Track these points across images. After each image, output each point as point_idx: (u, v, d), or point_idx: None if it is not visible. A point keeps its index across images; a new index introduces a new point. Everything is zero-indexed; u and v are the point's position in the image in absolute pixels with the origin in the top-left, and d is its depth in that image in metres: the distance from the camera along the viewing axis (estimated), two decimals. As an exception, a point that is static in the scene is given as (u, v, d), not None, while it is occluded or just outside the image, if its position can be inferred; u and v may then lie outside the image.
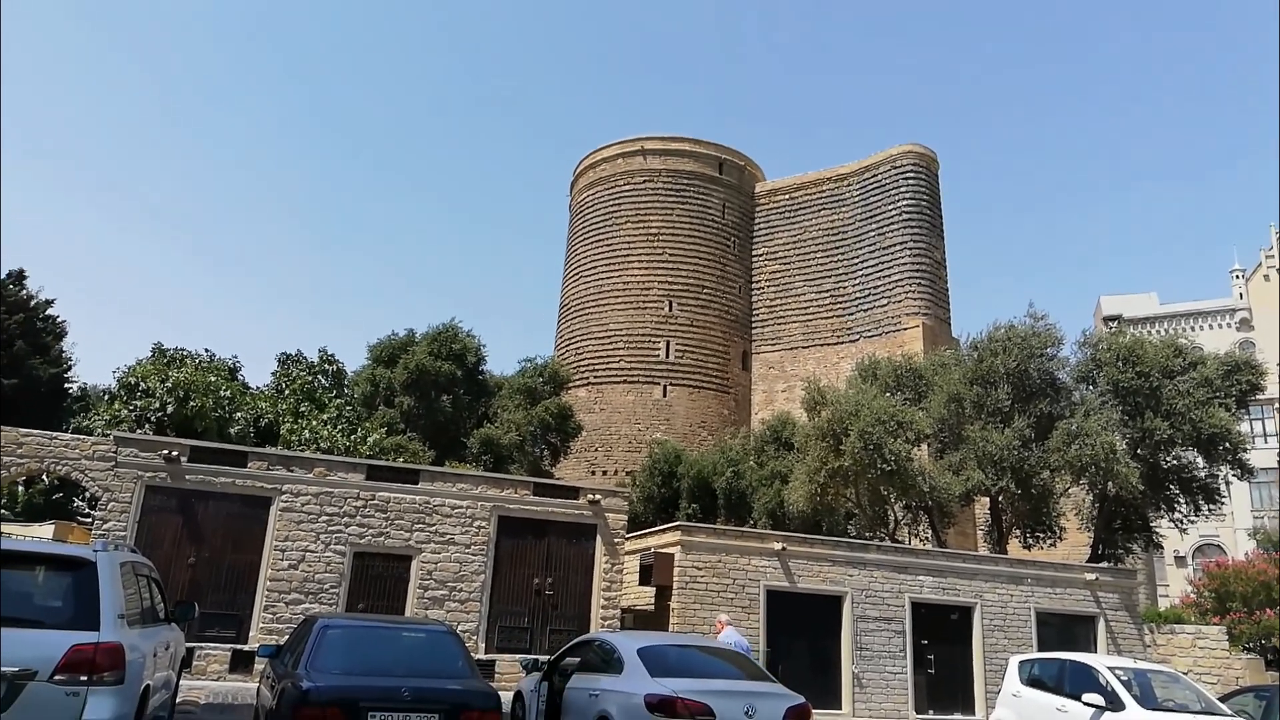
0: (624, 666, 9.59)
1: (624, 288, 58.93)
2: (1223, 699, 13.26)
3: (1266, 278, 56.51)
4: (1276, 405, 51.71)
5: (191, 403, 26.45)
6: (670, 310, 58.02)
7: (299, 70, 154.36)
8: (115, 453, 17.30)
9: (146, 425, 25.57)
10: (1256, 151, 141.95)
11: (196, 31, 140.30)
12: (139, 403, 26.14)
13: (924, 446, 29.14)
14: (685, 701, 8.60)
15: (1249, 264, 57.57)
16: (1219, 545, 48.67)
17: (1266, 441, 49.99)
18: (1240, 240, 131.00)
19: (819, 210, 60.67)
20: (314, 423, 29.85)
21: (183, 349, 33.73)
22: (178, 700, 10.70)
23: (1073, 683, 12.60)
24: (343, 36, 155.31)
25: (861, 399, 26.45)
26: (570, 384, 48.18)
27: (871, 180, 58.81)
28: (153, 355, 32.21)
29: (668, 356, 57.04)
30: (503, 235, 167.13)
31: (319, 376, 38.49)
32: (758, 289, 61.61)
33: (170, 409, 26.07)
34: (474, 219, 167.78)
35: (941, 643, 21.87)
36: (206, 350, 34.72)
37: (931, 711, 21.18)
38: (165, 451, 17.54)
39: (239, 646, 17.08)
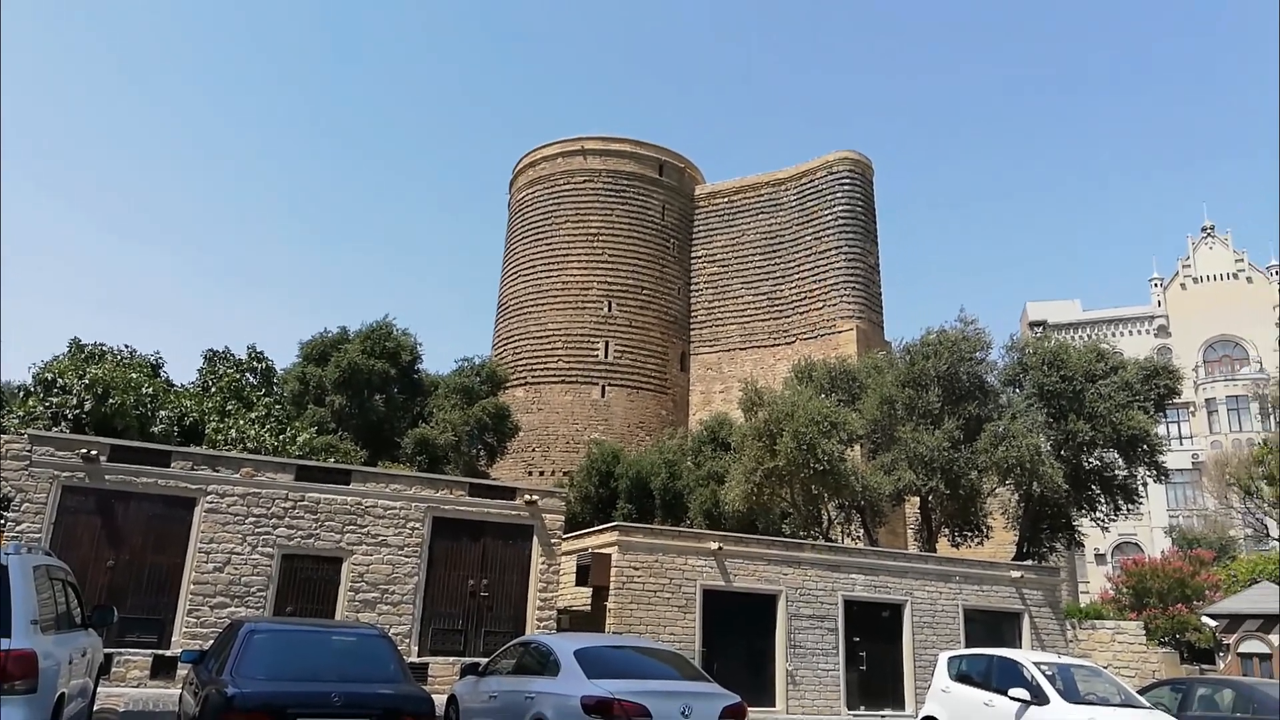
0: (560, 668, 9.53)
1: (563, 287, 58.75)
2: (1141, 691, 13.72)
3: (1183, 286, 58.93)
4: (1191, 409, 53.89)
5: (111, 400, 25.49)
6: (609, 310, 58.00)
7: (222, 60, 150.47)
8: (29, 451, 16.58)
9: (63, 423, 24.59)
10: (1175, 164, 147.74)
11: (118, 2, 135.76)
12: (55, 399, 25.11)
13: (857, 447, 29.61)
14: (622, 703, 8.56)
15: (1167, 273, 59.97)
16: (1136, 544, 50.56)
17: (1181, 444, 52.11)
18: (1159, 250, 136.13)
19: (757, 214, 61.33)
20: (241, 422, 29.02)
21: (102, 344, 32.50)
22: (95, 708, 10.30)
23: (999, 678, 12.92)
24: (273, 23, 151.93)
25: (797, 400, 26.75)
26: (508, 384, 47.78)
27: (808, 185, 59.66)
28: (70, 351, 30.98)
29: (606, 357, 57.01)
30: (440, 233, 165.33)
31: (247, 374, 37.47)
32: (696, 291, 61.99)
33: (88, 406, 25.08)
34: (411, 216, 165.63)
35: (873, 640, 22.23)
36: (127, 346, 33.51)
37: (863, 707, 21.52)
38: (83, 450, 16.86)
39: (161, 652, 16.51)
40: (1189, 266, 59.34)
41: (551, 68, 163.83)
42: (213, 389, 32.93)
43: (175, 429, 27.50)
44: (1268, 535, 29.04)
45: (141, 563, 16.91)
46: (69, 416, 24.75)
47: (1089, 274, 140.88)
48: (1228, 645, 22.93)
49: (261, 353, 37.94)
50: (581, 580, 20.92)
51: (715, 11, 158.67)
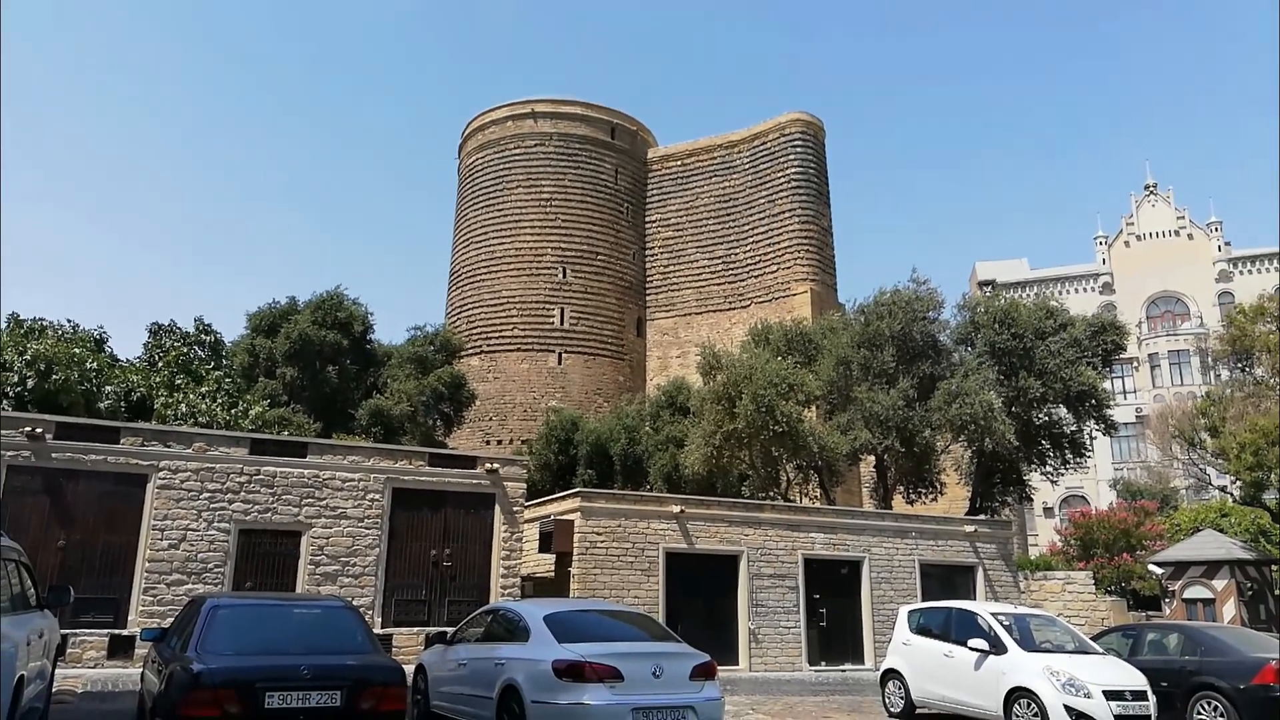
0: (530, 634, 9.51)
1: (516, 254, 58.20)
2: (1094, 638, 14.14)
3: (1127, 244, 60.18)
4: (1135, 364, 55.31)
5: (55, 376, 24.81)
6: (564, 277, 57.65)
7: (157, 22, 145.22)
8: (-30, 431, 16.07)
9: (4, 401, 23.90)
10: (1119, 123, 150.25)
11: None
12: (-5, 377, 24.39)
13: (814, 408, 29.93)
14: (593, 665, 8.58)
15: (1111, 231, 61.14)
16: (1083, 496, 51.97)
17: (1125, 398, 53.49)
18: (1103, 208, 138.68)
19: (710, 177, 61.18)
20: (191, 396, 28.46)
21: (42, 319, 31.63)
22: (54, 690, 10.08)
23: (958, 629, 13.19)
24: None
25: (755, 363, 26.91)
26: (463, 353, 47.39)
27: (761, 148, 59.62)
28: (9, 326, 30.05)
29: (562, 323, 56.76)
30: (389, 200, 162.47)
31: (195, 347, 36.74)
32: (651, 255, 61.82)
33: (31, 383, 24.39)
34: (358, 182, 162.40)
35: (832, 596, 22.66)
36: (69, 320, 32.67)
37: (824, 663, 21.96)
38: (28, 429, 16.38)
39: (117, 631, 16.25)
40: (1132, 224, 60.56)
41: (500, 29, 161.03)
42: (160, 363, 32.25)
43: (122, 405, 26.90)
44: (1209, 485, 30.01)
45: (94, 542, 16.58)
46: (10, 394, 24.06)
47: (1036, 233, 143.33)
48: (1173, 591, 23.74)
49: (209, 325, 37.26)
50: (544, 547, 20.97)
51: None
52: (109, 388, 26.75)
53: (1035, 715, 11.27)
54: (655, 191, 62.98)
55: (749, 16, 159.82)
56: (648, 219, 62.49)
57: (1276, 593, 23.46)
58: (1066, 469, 29.79)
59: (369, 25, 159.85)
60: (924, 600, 21.82)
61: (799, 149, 58.45)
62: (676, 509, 21.21)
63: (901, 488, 29.70)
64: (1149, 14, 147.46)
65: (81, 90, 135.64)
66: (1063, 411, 28.36)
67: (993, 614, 12.99)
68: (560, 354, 56.24)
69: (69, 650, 15.55)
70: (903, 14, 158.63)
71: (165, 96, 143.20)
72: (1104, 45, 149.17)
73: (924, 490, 29.51)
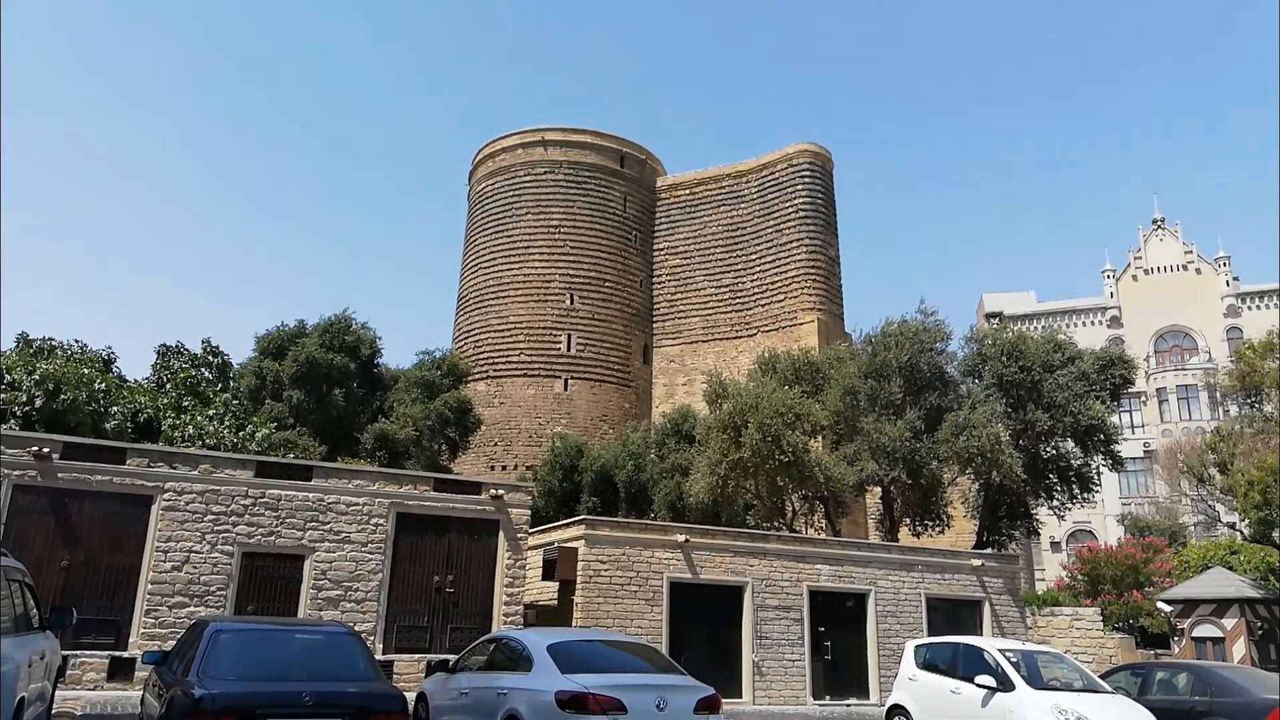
0: (533, 664, 9.46)
1: (524, 280, 58.49)
2: (1102, 676, 13.99)
3: (1135, 278, 60.17)
4: (1143, 398, 55.10)
5: (62, 396, 24.88)
6: (571, 303, 57.86)
7: (172, 45, 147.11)
8: (-22, 450, 16.09)
9: (13, 420, 23.97)
10: (1128, 158, 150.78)
11: None
12: (3, 396, 24.45)
13: (820, 438, 29.82)
14: (597, 697, 8.52)
15: (1119, 264, 61.14)
16: (1090, 531, 51.54)
17: (1133, 432, 53.21)
18: (1111, 242, 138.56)
19: (718, 206, 61.57)
20: (198, 418, 28.50)
21: (51, 339, 31.81)
22: (53, 712, 10.03)
23: (965, 665, 13.07)
24: (227, 9, 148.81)
25: (761, 392, 26.87)
26: (469, 377, 47.46)
27: (769, 177, 60.00)
28: (18, 345, 30.21)
29: (569, 350, 56.86)
30: (399, 225, 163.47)
31: (202, 369, 36.83)
32: (658, 283, 62.06)
33: (39, 403, 24.46)
34: (368, 207, 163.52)
35: (838, 629, 22.41)
36: (77, 341, 32.82)
37: (828, 697, 21.69)
38: (35, 448, 16.39)
39: (118, 653, 16.15)
40: (1140, 258, 60.60)
41: (511, 58, 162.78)
42: (167, 385, 32.33)
43: (129, 426, 26.94)
44: (1218, 522, 29.76)
45: (97, 563, 16.52)
46: (18, 414, 24.12)
47: (1043, 265, 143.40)
48: (1182, 629, 23.47)
49: (217, 347, 37.36)
50: (548, 575, 20.82)
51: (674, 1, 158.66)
52: (116, 408, 26.81)
53: (1043, 754, 11.11)
54: (663, 220, 63.35)
55: (757, 46, 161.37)
56: (655, 247, 62.81)
57: (1287, 632, 23.16)
58: (1074, 503, 29.58)
59: (382, 49, 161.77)
60: (930, 635, 21.60)
61: (807, 179, 58.81)
62: (681, 538, 21.08)
63: (908, 520, 29.51)
64: (1155, 45, 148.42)
65: (82, 90, 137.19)
66: (1070, 445, 28.19)
67: (1000, 650, 12.87)
68: (566, 380, 56.31)
69: (70, 672, 15.46)
70: (908, 47, 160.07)
71: (166, 97, 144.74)
72: (1114, 76, 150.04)
73: (930, 523, 29.31)
